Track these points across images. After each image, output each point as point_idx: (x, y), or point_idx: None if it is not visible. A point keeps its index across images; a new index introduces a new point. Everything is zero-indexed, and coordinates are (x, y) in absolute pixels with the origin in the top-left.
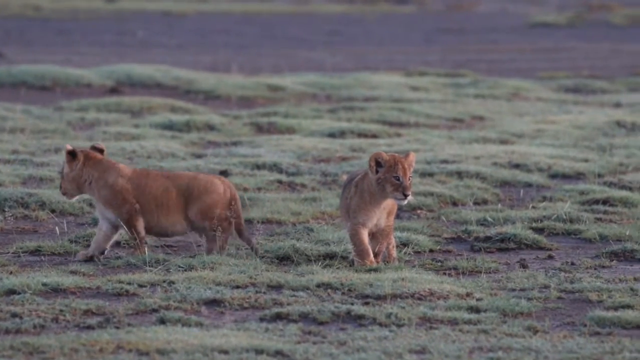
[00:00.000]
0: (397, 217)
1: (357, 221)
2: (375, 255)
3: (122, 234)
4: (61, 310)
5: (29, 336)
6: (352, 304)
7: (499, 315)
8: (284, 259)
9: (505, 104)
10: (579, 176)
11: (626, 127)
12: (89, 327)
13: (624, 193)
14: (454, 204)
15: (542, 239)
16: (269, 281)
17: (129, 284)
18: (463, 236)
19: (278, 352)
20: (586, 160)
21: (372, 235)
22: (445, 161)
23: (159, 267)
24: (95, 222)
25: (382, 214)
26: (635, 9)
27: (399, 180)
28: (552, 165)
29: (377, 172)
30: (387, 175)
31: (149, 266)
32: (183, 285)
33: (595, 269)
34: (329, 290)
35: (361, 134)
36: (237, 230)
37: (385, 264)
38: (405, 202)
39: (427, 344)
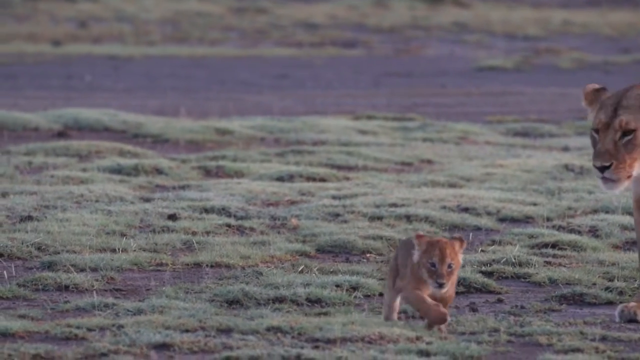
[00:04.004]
0: (347, 260)
1: (410, 287)
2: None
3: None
4: (10, 355)
5: None
6: (302, 347)
7: (449, 359)
8: (233, 303)
9: (453, 148)
10: (527, 220)
11: (574, 170)
12: None
13: (572, 237)
14: None
15: (491, 282)
16: (218, 325)
17: (78, 327)
18: None
19: None
20: (535, 204)
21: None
22: (394, 205)
23: (108, 310)
24: (43, 266)
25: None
26: (581, 53)
27: (434, 267)
28: (500, 209)
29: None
30: (423, 260)
31: (98, 310)
32: (132, 329)
33: (544, 312)
34: (279, 334)
35: (310, 178)
36: None
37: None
38: (442, 291)
39: None
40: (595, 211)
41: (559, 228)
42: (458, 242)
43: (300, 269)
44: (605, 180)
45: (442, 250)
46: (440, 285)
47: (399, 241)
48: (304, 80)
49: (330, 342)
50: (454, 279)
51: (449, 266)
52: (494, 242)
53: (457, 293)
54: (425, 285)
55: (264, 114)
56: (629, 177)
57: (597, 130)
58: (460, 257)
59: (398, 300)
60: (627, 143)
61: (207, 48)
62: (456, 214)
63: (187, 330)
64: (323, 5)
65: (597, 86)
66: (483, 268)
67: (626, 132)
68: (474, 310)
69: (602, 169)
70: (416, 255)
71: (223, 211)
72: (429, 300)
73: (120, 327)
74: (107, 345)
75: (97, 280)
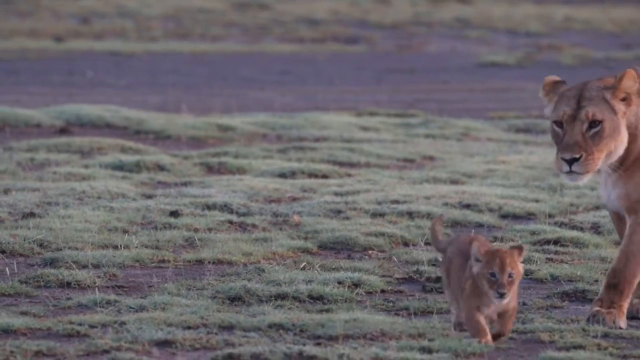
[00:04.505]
0: (349, 257)
1: (471, 305)
2: (499, 335)
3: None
4: (12, 352)
5: None
6: (304, 344)
7: (451, 356)
8: (235, 300)
9: (455, 144)
10: (529, 216)
11: None
12: None
13: (575, 233)
14: (405, 244)
15: None
16: (220, 322)
17: (80, 324)
18: (414, 276)
19: None
20: (537, 201)
21: (498, 315)
22: (396, 201)
23: (110, 307)
24: (45, 263)
25: None
26: (583, 49)
27: (494, 277)
28: (502, 206)
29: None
30: (483, 270)
31: (100, 307)
32: (134, 326)
33: (546, 309)
34: (281, 331)
35: (312, 174)
36: None
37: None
38: (503, 301)
39: None
40: (597, 208)
41: (561, 225)
42: (517, 250)
43: (302, 266)
44: (571, 173)
45: (502, 260)
46: (502, 296)
47: (449, 241)
48: (306, 77)
49: (332, 339)
50: (514, 289)
51: (510, 275)
52: (495, 239)
53: None
54: (485, 297)
55: (266, 110)
56: (594, 170)
57: (559, 123)
58: (521, 266)
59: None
60: (594, 135)
61: (209, 44)
62: (458, 211)
63: (189, 327)
64: (325, 1)
65: (556, 78)
66: None
67: (592, 124)
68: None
69: (570, 162)
70: (476, 266)
71: (225, 208)
72: (482, 326)
73: (122, 324)
74: (109, 342)
75: (99, 277)
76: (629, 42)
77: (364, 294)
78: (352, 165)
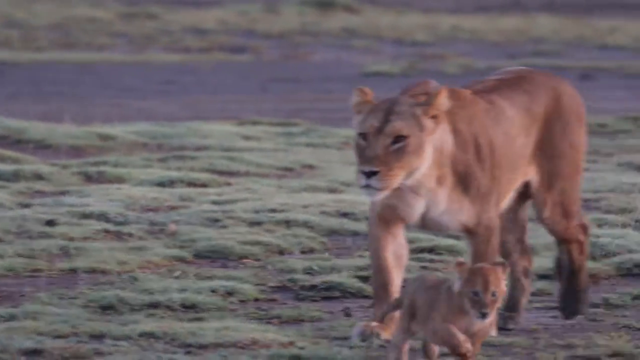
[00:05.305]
0: (224, 266)
1: (443, 322)
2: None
3: None
4: None
5: None
6: (175, 352)
7: None
8: (107, 309)
9: (336, 153)
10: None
11: None
12: None
13: (450, 241)
14: (281, 252)
15: (367, 287)
16: (91, 330)
17: None
18: (288, 285)
19: None
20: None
21: (471, 335)
22: (273, 210)
23: None
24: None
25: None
26: (468, 59)
27: (477, 295)
28: None
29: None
30: (465, 289)
31: None
32: (3, 336)
33: None
34: (152, 340)
35: (191, 183)
36: None
37: None
38: (485, 321)
39: None
40: None
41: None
42: (501, 267)
43: (175, 275)
44: (367, 187)
45: (485, 278)
46: (484, 315)
47: (414, 279)
48: (190, 86)
49: (202, 347)
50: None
51: (493, 294)
52: None
53: (332, 298)
54: (461, 317)
55: (148, 119)
56: (392, 187)
57: (364, 135)
58: (504, 284)
59: (407, 345)
60: (397, 150)
61: (95, 54)
62: (335, 219)
63: (59, 336)
64: (214, 10)
65: (369, 91)
66: (359, 273)
67: (397, 139)
68: (348, 315)
69: (369, 175)
70: (457, 284)
71: (101, 217)
72: (457, 333)
73: None
74: None
75: None
76: (513, 52)
77: (237, 302)
78: (231, 174)
